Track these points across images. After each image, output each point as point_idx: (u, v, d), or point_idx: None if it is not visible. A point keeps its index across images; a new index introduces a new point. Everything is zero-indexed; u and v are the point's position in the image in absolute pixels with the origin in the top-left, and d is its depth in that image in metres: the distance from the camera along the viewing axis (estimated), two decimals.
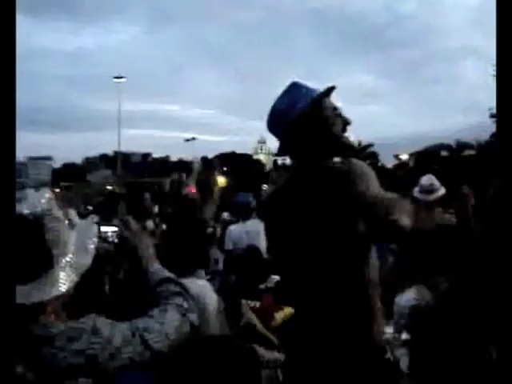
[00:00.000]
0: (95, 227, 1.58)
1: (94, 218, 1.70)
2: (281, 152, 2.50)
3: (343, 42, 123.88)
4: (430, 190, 5.07)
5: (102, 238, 6.26)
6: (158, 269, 1.71)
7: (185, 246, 3.10)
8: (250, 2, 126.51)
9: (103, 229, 6.95)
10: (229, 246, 6.04)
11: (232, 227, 6.37)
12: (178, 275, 2.61)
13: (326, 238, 2.22)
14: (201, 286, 2.33)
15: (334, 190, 2.21)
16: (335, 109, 2.38)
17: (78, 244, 1.49)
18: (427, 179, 5.20)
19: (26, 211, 1.41)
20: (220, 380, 1.66)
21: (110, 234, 6.97)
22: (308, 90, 2.38)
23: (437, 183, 5.14)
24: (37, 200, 1.45)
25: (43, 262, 1.40)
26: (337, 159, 2.35)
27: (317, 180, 2.27)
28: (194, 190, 8.07)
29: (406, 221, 2.16)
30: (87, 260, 1.48)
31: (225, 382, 1.68)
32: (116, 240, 2.84)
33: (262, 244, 5.32)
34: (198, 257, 3.09)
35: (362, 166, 2.29)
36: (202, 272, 3.13)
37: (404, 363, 2.68)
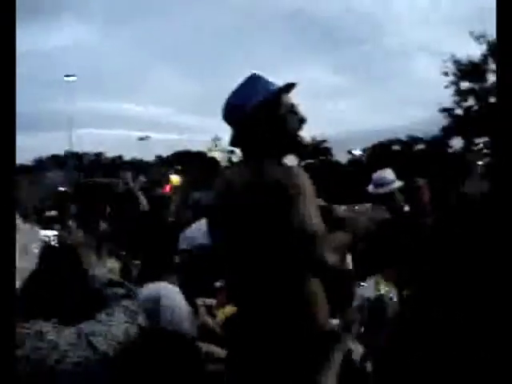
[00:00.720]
0: (38, 231, 1.58)
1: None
2: (232, 143, 2.48)
3: (297, 38, 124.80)
4: (380, 183, 5.17)
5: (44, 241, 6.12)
6: (102, 272, 1.73)
7: (152, 249, 3.12)
8: (208, 1, 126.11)
9: (45, 232, 6.81)
10: (183, 245, 6.02)
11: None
12: (146, 280, 2.64)
13: (259, 233, 2.19)
14: (163, 286, 2.36)
15: (269, 192, 2.17)
16: (292, 106, 2.39)
17: (20, 248, 1.45)
18: (379, 173, 5.30)
19: None
20: (159, 374, 1.72)
21: (51, 237, 6.82)
22: (267, 83, 2.39)
23: (390, 177, 5.23)
24: None
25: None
26: (285, 160, 2.37)
27: (258, 176, 2.24)
28: (167, 189, 7.98)
29: (331, 258, 2.14)
30: (31, 263, 1.48)
31: (164, 376, 1.73)
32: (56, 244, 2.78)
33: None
34: (165, 260, 3.09)
35: (303, 181, 2.23)
36: (172, 276, 3.11)
37: (356, 354, 2.71)
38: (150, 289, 2.19)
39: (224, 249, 2.36)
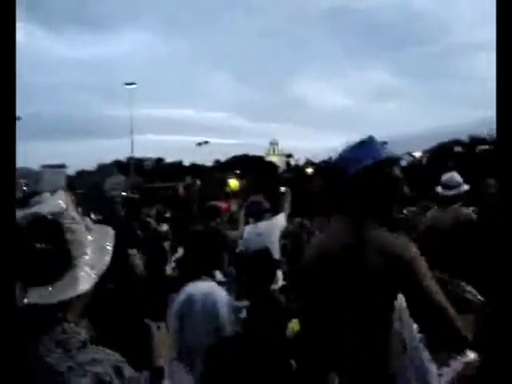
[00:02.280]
0: (111, 230, 1.61)
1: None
2: (335, 197, 2.48)
3: (358, 40, 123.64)
4: (450, 185, 5.26)
5: None
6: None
7: (200, 249, 3.37)
8: (260, 7, 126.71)
9: None
10: (240, 247, 6.13)
11: (246, 228, 6.48)
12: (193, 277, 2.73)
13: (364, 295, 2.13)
14: (211, 286, 2.34)
15: (382, 257, 2.11)
16: (399, 174, 2.39)
17: (95, 245, 1.50)
18: (448, 175, 5.32)
19: (44, 212, 1.43)
20: None
21: None
22: (379, 147, 2.39)
23: (458, 179, 5.32)
24: (54, 201, 1.48)
25: (63, 263, 1.42)
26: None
27: (365, 240, 2.18)
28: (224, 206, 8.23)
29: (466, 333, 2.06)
30: (105, 260, 1.50)
31: None
32: None
33: (272, 245, 5.64)
34: (212, 259, 3.33)
35: (413, 248, 2.18)
36: (217, 273, 3.38)
37: None
38: (198, 288, 2.22)
39: (312, 312, 2.34)
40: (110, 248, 1.53)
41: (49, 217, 1.42)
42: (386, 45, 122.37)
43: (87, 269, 1.45)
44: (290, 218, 6.64)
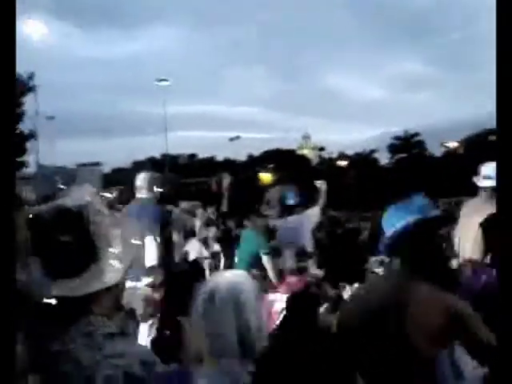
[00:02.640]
0: (137, 225, 1.72)
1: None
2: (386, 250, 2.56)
3: (389, 30, 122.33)
4: (488, 176, 5.08)
5: None
6: None
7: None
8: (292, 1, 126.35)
9: None
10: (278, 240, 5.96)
11: (279, 222, 6.36)
12: None
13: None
14: (238, 275, 2.33)
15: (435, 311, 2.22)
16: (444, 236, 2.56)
17: (121, 238, 1.50)
18: (487, 165, 5.20)
19: (69, 204, 1.44)
20: None
21: None
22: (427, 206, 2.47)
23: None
24: (80, 194, 1.49)
25: (89, 255, 1.43)
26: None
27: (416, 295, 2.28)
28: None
29: None
30: (131, 254, 1.51)
31: None
32: None
33: (303, 238, 5.64)
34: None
35: (463, 302, 2.29)
36: None
37: None
38: (227, 277, 2.20)
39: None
40: (135, 242, 1.53)
41: (73, 209, 1.42)
42: (418, 34, 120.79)
43: (113, 261, 1.44)
44: (324, 211, 6.60)
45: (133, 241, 1.55)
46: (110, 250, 1.45)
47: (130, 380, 1.36)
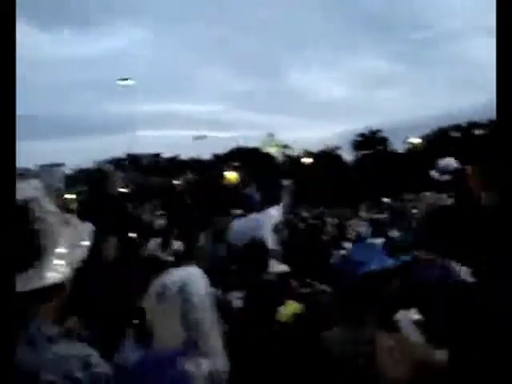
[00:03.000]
0: (90, 227, 1.57)
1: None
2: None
3: (350, 27, 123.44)
4: (447, 170, 5.21)
5: None
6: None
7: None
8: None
9: None
10: (232, 238, 6.10)
11: (235, 221, 6.47)
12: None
13: None
14: (190, 272, 2.31)
15: None
16: None
17: (72, 239, 1.47)
18: (445, 160, 5.29)
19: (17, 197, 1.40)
20: None
21: None
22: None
23: (455, 164, 5.26)
24: (25, 189, 1.45)
25: (31, 252, 1.38)
26: None
27: None
28: None
29: None
30: (78, 255, 1.46)
31: None
32: None
33: (261, 236, 5.66)
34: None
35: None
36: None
37: None
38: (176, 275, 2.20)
39: None
40: (85, 243, 1.50)
41: (18, 203, 1.38)
42: (379, 32, 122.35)
43: (57, 261, 1.41)
44: (288, 208, 6.67)
45: (82, 243, 1.51)
46: (55, 248, 1.42)
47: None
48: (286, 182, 6.40)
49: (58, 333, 1.42)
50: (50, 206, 1.46)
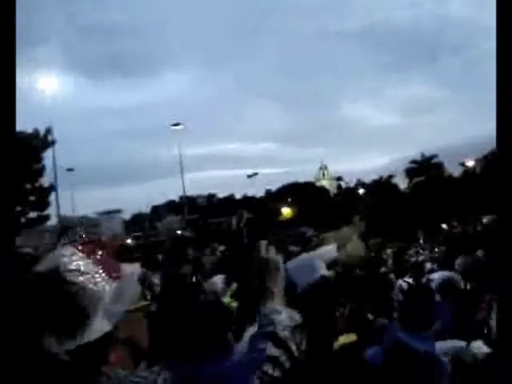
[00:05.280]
0: (136, 278, 1.63)
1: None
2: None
3: (394, 56, 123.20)
4: None
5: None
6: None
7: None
8: (292, 29, 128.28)
9: None
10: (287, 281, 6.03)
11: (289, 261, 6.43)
12: None
13: None
14: None
15: None
16: None
17: (116, 293, 1.50)
18: None
19: (40, 268, 1.47)
20: None
21: None
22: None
23: None
24: (55, 257, 1.50)
25: (74, 317, 1.42)
26: None
27: None
28: None
29: None
30: (121, 309, 1.50)
31: None
32: None
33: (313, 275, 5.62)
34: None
35: None
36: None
37: None
38: None
39: None
40: (129, 297, 1.55)
41: (45, 273, 1.45)
42: (426, 56, 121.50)
43: (100, 317, 1.45)
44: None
45: (128, 296, 1.55)
46: (100, 306, 1.46)
47: None
48: (354, 219, 6.32)
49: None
50: (87, 267, 1.50)
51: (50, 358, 1.37)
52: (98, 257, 1.53)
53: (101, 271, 1.50)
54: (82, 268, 1.48)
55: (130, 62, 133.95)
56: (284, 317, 1.67)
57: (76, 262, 1.48)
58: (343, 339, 3.05)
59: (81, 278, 1.45)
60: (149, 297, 6.56)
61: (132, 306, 1.56)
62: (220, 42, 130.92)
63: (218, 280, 7.85)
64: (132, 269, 1.62)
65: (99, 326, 1.43)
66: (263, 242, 1.92)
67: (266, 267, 1.82)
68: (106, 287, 1.48)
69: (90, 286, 1.46)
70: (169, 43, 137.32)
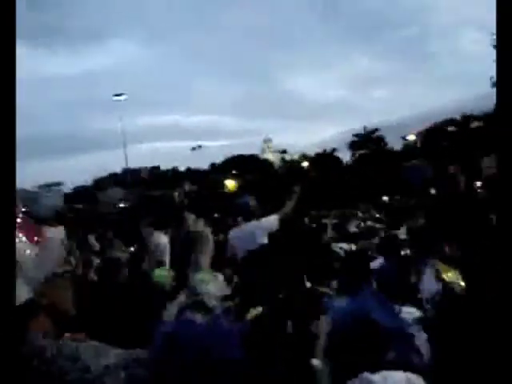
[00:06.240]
0: (60, 243, 1.55)
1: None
2: None
3: (341, 28, 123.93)
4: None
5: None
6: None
7: None
8: (240, 2, 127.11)
9: None
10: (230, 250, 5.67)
11: (232, 231, 5.98)
12: None
13: None
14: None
15: None
16: None
17: (37, 259, 1.44)
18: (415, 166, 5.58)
19: None
20: None
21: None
22: None
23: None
24: None
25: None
26: None
27: None
28: None
29: None
30: (41, 274, 1.44)
31: None
32: None
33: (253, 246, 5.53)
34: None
35: None
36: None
37: None
38: None
39: None
40: (51, 262, 1.49)
41: None
42: (372, 30, 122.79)
43: (20, 282, 1.40)
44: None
45: (49, 264, 1.49)
46: (21, 272, 1.40)
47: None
48: (295, 188, 6.28)
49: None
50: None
51: None
52: (19, 220, 1.45)
53: (20, 235, 1.42)
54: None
55: (75, 30, 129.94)
56: (212, 287, 1.67)
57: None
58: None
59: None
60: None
61: (56, 271, 1.50)
62: (169, 11, 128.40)
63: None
64: (54, 233, 1.53)
65: (20, 291, 1.36)
66: (191, 216, 1.90)
67: (194, 239, 1.81)
68: (26, 252, 1.40)
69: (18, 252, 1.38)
70: (116, 11, 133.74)
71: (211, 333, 1.45)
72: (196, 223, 1.93)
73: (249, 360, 1.50)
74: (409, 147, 50.20)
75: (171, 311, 2.11)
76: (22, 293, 1.38)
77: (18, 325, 1.36)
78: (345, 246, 7.04)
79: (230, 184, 46.43)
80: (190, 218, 1.94)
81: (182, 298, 1.82)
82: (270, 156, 68.51)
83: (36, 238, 1.44)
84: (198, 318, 1.55)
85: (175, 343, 1.40)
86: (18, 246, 1.40)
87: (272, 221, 5.94)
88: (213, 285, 1.70)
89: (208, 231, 1.93)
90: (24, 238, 1.42)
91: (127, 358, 1.39)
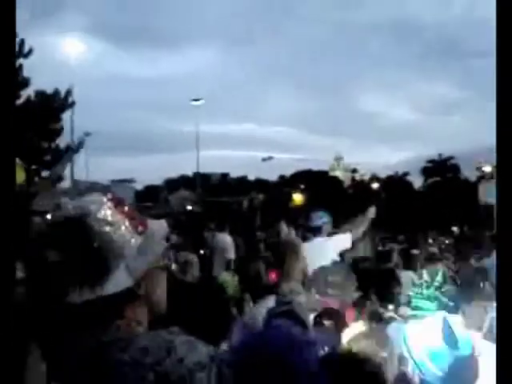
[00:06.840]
0: (163, 235, 1.57)
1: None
2: None
3: (421, 51, 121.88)
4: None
5: None
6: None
7: None
8: (319, 18, 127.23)
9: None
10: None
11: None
12: None
13: None
14: None
15: None
16: None
17: (140, 248, 1.46)
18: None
19: (69, 212, 1.42)
20: None
21: None
22: None
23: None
24: (84, 204, 1.45)
25: (95, 267, 1.38)
26: None
27: None
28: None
29: None
30: (143, 265, 1.45)
31: None
32: None
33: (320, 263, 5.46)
34: None
35: None
36: None
37: None
38: None
39: None
40: (154, 252, 1.50)
41: (73, 218, 1.40)
42: (452, 56, 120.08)
43: (122, 272, 1.41)
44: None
45: (154, 250, 1.50)
46: (123, 260, 1.42)
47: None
48: (370, 209, 6.21)
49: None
50: (115, 217, 1.45)
51: (67, 306, 1.34)
52: (126, 209, 1.49)
53: (127, 224, 1.45)
54: (110, 218, 1.43)
55: (156, 32, 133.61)
56: (303, 298, 1.67)
57: (104, 212, 1.43)
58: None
59: (107, 229, 1.41)
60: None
61: (155, 263, 1.50)
62: (247, 22, 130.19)
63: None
64: (158, 225, 1.57)
65: (120, 279, 1.39)
66: (284, 225, 1.90)
67: (286, 248, 1.81)
68: (131, 240, 1.43)
69: (116, 237, 1.41)
70: (195, 18, 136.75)
71: (304, 345, 1.44)
72: (290, 232, 1.93)
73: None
74: (484, 179, 48.69)
75: (257, 315, 2.12)
76: (123, 280, 1.40)
77: (114, 311, 1.40)
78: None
79: (297, 198, 46.41)
80: (283, 226, 1.93)
81: (270, 303, 1.82)
82: (340, 174, 68.11)
83: (141, 228, 1.48)
84: (294, 328, 1.55)
85: (265, 348, 1.41)
86: (125, 233, 1.43)
87: (344, 239, 5.87)
88: (303, 297, 1.70)
89: (299, 241, 1.91)
90: (130, 227, 1.45)
91: (215, 356, 1.39)
